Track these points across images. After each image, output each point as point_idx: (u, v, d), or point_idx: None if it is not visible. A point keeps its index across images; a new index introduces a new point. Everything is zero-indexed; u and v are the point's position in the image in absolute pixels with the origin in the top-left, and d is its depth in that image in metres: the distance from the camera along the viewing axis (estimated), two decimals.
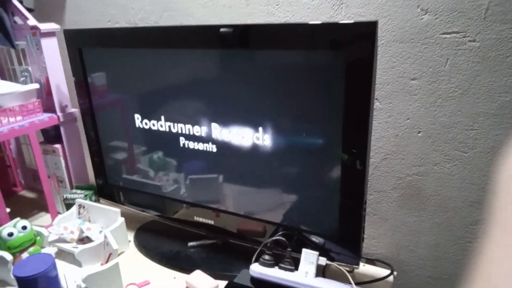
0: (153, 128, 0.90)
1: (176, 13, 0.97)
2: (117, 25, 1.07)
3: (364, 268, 0.89)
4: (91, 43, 0.91)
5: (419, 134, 0.79)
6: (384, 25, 0.75)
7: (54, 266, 0.82)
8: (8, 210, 0.96)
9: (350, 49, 0.61)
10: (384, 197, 0.87)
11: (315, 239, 0.79)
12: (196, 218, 0.94)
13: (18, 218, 0.91)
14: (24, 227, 0.89)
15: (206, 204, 0.90)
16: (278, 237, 0.80)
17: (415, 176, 0.82)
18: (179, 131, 0.86)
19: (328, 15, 0.79)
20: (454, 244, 0.83)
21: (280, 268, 0.78)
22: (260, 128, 0.75)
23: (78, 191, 1.07)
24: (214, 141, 0.82)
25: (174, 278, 0.88)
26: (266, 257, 0.79)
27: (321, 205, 0.75)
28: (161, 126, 0.88)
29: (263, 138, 0.76)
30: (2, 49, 1.10)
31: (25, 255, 0.88)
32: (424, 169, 0.81)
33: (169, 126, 0.87)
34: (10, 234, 0.86)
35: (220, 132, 0.81)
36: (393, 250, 0.91)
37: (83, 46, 0.92)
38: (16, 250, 0.87)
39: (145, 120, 0.90)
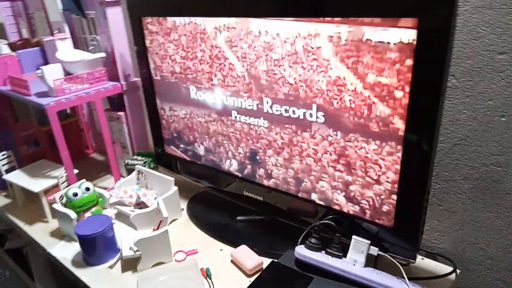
0: (207, 100, 0.88)
1: None
2: None
3: (423, 262, 0.81)
4: (150, 12, 0.90)
5: (503, 119, 0.67)
6: None
7: (111, 227, 0.87)
8: (76, 171, 1.03)
9: (422, 15, 0.52)
10: (452, 187, 0.78)
11: (368, 226, 0.73)
12: (246, 193, 0.93)
13: (83, 180, 0.97)
14: (87, 189, 0.95)
15: (256, 180, 0.88)
16: (327, 221, 0.76)
17: (493, 166, 0.71)
18: (232, 104, 0.84)
19: None
20: None
21: (327, 253, 0.74)
22: (314, 106, 0.70)
23: (139, 158, 1.12)
24: (265, 116, 0.79)
25: (221, 250, 0.88)
26: (313, 240, 0.75)
27: (377, 190, 0.68)
28: (214, 98, 0.86)
29: (317, 116, 0.70)
30: (75, 18, 1.15)
31: (87, 214, 0.95)
32: (505, 159, 0.69)
33: (222, 99, 0.85)
34: (75, 194, 0.93)
35: (272, 107, 0.77)
36: (458, 246, 0.81)
37: (143, 14, 0.92)
38: (80, 209, 0.94)
39: (199, 92, 0.89)
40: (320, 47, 0.65)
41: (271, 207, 0.89)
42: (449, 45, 0.51)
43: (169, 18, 0.87)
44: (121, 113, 1.11)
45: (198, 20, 0.81)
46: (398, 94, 0.58)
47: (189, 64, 0.88)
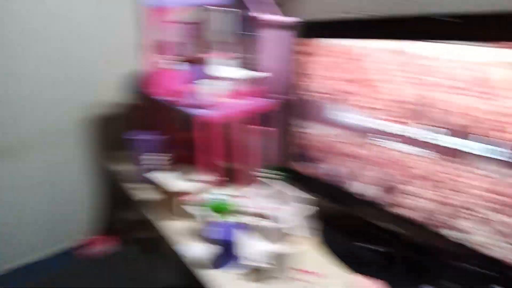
0: (353, 124, 0.88)
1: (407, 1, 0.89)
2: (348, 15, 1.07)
3: None
4: (323, 34, 0.93)
5: None
6: None
7: (242, 235, 0.91)
8: (215, 178, 1.11)
9: None
10: None
11: None
12: (381, 223, 0.88)
13: (219, 188, 1.04)
14: (223, 195, 1.02)
15: (396, 212, 0.83)
16: (471, 266, 0.67)
17: None
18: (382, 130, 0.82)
19: None
20: None
21: None
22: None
23: (273, 171, 1.16)
24: (422, 145, 0.75)
25: (346, 276, 0.85)
26: (448, 283, 0.67)
27: None
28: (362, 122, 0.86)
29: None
30: (238, 38, 1.27)
31: (219, 219, 1.00)
32: None
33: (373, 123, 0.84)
34: (212, 199, 1.00)
35: (435, 138, 0.73)
36: None
37: (315, 36, 0.95)
38: (216, 213, 1.00)
39: (349, 115, 0.89)
40: None
41: (405, 239, 0.83)
42: None
43: (326, 41, 0.90)
44: (268, 128, 1.18)
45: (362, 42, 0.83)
46: None
47: (346, 87, 0.90)
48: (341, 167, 0.96)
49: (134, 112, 1.58)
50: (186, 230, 1.07)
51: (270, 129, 1.17)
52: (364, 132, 0.87)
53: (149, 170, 1.26)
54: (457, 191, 0.70)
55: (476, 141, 0.66)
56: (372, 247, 0.93)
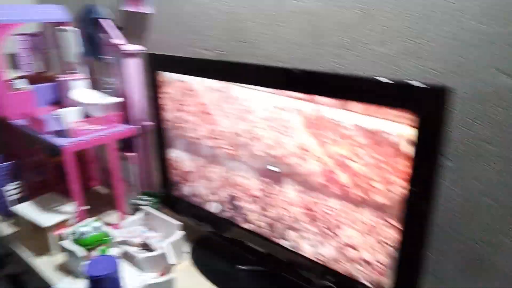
0: (214, 150, 0.94)
1: (248, 44, 0.98)
2: (194, 49, 1.12)
3: None
4: (165, 68, 0.97)
5: (492, 202, 0.74)
6: (458, 83, 0.70)
7: (119, 269, 0.91)
8: (88, 207, 1.07)
9: (419, 109, 0.59)
10: (444, 258, 0.83)
11: None
12: (249, 244, 0.97)
13: (93, 218, 1.01)
14: (96, 227, 0.99)
15: (259, 232, 0.93)
16: (328, 284, 0.81)
17: (483, 244, 0.77)
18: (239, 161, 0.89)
19: (396, 66, 0.77)
20: None
21: None
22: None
23: (145, 198, 1.16)
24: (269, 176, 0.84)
25: None
26: None
27: (376, 257, 0.74)
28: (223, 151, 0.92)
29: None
30: (92, 61, 1.20)
31: (95, 252, 0.98)
32: (494, 239, 0.76)
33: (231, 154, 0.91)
34: (85, 233, 0.96)
35: (275, 171, 0.82)
36: None
37: (158, 69, 0.99)
38: (88, 247, 0.97)
39: (210, 142, 0.94)
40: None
41: (274, 259, 0.94)
42: (442, 134, 0.59)
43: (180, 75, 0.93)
44: (131, 154, 1.16)
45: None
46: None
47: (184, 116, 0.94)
48: (200, 189, 1.01)
49: None
50: (59, 265, 1.03)
51: (134, 154, 1.16)
52: (212, 157, 0.94)
53: (10, 201, 1.14)
54: (281, 207, 0.83)
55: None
56: (245, 267, 1.01)
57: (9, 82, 1.14)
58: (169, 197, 1.13)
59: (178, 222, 1.03)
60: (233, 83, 0.83)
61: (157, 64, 0.99)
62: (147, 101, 1.09)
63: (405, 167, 0.64)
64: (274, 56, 0.95)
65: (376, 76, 0.64)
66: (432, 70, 0.73)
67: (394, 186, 0.66)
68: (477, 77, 0.69)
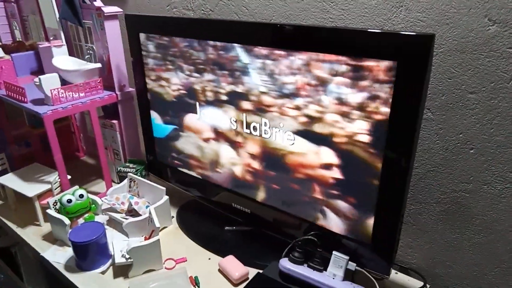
0: (200, 117, 0.93)
1: (232, 2, 0.97)
2: (174, 10, 1.10)
3: (396, 276, 0.88)
4: (147, 29, 0.94)
5: (471, 151, 0.74)
6: (445, 32, 0.69)
7: (104, 234, 0.91)
8: (69, 177, 1.06)
9: (402, 58, 0.58)
10: (425, 209, 0.84)
11: (348, 243, 0.79)
12: (235, 205, 0.98)
13: (76, 187, 1.01)
14: (81, 195, 0.98)
15: (245, 193, 0.93)
16: (309, 237, 0.82)
17: (462, 193, 0.78)
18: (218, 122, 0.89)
19: (385, 17, 0.75)
20: (496, 268, 0.79)
21: (309, 266, 0.80)
22: (290, 131, 0.75)
23: (131, 165, 1.15)
24: (252, 135, 0.84)
25: (209, 259, 0.94)
26: (296, 254, 0.81)
27: (357, 210, 0.74)
28: (203, 114, 0.91)
29: (294, 138, 0.76)
30: (71, 26, 1.17)
31: (81, 220, 0.98)
32: (472, 187, 0.76)
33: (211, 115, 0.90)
34: (69, 201, 0.96)
35: (257, 126, 0.82)
36: (429, 263, 0.88)
37: (141, 31, 0.96)
38: (73, 215, 0.97)
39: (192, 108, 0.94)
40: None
41: (258, 219, 0.94)
42: (425, 83, 0.57)
43: (164, 36, 0.91)
44: (115, 121, 1.14)
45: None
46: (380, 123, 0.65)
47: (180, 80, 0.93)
48: (197, 157, 1.01)
49: None
50: (46, 234, 1.03)
51: (116, 122, 1.14)
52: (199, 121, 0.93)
53: None
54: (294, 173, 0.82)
55: None
56: (231, 228, 1.02)
57: None
58: (155, 164, 1.13)
59: (163, 188, 1.03)
60: (218, 42, 0.81)
61: (137, 26, 0.97)
62: (129, 65, 1.07)
63: (384, 118, 0.64)
64: (259, 14, 0.93)
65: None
66: (420, 21, 0.72)
67: (376, 137, 0.66)
68: (467, 27, 0.67)
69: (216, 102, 0.88)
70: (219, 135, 0.91)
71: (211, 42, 0.82)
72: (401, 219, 0.69)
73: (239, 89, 0.82)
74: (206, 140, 0.95)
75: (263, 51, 0.74)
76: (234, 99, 0.84)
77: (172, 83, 0.95)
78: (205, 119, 0.93)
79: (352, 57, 0.63)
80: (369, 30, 0.61)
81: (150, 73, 1.00)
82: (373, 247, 0.75)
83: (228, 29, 0.79)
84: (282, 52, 0.71)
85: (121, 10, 1.05)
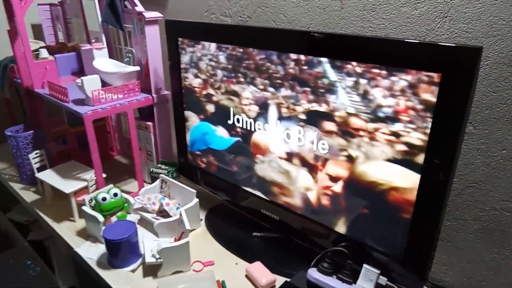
0: (233, 122, 0.94)
1: (270, 9, 0.97)
2: (212, 16, 1.12)
3: None
4: (186, 34, 0.96)
5: None
6: (492, 45, 0.67)
7: (136, 233, 0.93)
8: (104, 175, 1.10)
9: (447, 70, 0.57)
10: (462, 226, 0.82)
11: (379, 256, 0.77)
12: (264, 211, 0.98)
13: (111, 185, 1.04)
14: (115, 194, 1.01)
15: (274, 200, 0.93)
16: (340, 247, 0.81)
17: (502, 211, 0.75)
18: (254, 128, 0.89)
19: (428, 27, 0.74)
20: None
21: (338, 278, 0.79)
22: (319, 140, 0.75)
23: (163, 166, 1.18)
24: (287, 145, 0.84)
25: (236, 264, 0.94)
26: (325, 264, 0.80)
27: (391, 223, 0.73)
28: (238, 121, 0.92)
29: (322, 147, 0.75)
30: (112, 29, 1.21)
31: (113, 218, 1.01)
32: None
33: (247, 122, 0.90)
34: (104, 199, 0.99)
35: (291, 138, 0.82)
36: (464, 282, 0.85)
37: (179, 36, 0.98)
38: (107, 213, 1.00)
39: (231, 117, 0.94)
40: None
41: (287, 226, 0.94)
42: (470, 96, 0.56)
43: (202, 41, 0.92)
44: (150, 123, 1.17)
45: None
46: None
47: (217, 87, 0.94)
48: (228, 162, 1.02)
49: (8, 104, 1.44)
50: (80, 230, 1.06)
51: (151, 123, 1.17)
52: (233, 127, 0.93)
53: (34, 168, 1.17)
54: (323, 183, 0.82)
55: None
56: (259, 234, 1.02)
57: (33, 53, 1.16)
58: (186, 166, 1.15)
59: (194, 190, 1.04)
60: (256, 49, 0.81)
61: (176, 31, 0.99)
62: (166, 69, 1.10)
63: (425, 133, 0.62)
64: (297, 21, 0.93)
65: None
66: (465, 32, 0.70)
67: (415, 151, 0.65)
68: None
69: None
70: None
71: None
72: (437, 235, 0.67)
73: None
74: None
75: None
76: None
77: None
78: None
79: (393, 67, 0.62)
80: (414, 41, 0.60)
81: (186, 77, 1.02)
82: (406, 262, 0.73)
83: (263, 36, 0.80)
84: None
85: (161, 15, 1.08)
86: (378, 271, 0.75)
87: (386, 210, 0.72)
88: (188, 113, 1.07)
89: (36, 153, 1.20)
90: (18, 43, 1.14)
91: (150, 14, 1.05)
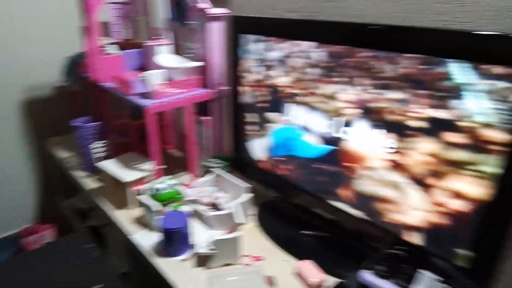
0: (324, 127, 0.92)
1: (337, 4, 0.94)
2: (278, 12, 1.11)
3: None
4: (249, 30, 0.97)
5: None
6: None
7: (189, 223, 0.95)
8: (164, 167, 1.13)
9: None
10: None
11: (440, 262, 0.73)
12: (316, 209, 0.97)
13: (168, 176, 1.07)
14: (171, 185, 1.04)
15: (328, 199, 0.92)
16: (399, 251, 0.78)
17: None
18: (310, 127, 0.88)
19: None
20: None
21: (394, 283, 0.76)
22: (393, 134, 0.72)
23: (216, 160, 1.20)
24: (342, 143, 0.82)
25: (285, 260, 0.93)
26: (381, 267, 0.77)
27: (457, 229, 0.69)
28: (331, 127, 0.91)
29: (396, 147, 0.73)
30: (175, 26, 1.26)
31: (168, 208, 1.04)
32: None
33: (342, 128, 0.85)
34: (161, 189, 1.02)
35: (352, 136, 0.80)
36: None
37: (242, 32, 0.99)
38: (162, 202, 1.03)
39: (280, 113, 0.94)
40: None
41: (339, 226, 0.92)
42: None
43: (263, 38, 0.93)
44: (206, 118, 1.20)
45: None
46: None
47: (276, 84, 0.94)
48: (282, 158, 1.02)
49: (76, 97, 1.55)
50: (136, 218, 1.10)
51: (209, 118, 1.20)
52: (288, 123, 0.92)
53: (96, 158, 1.25)
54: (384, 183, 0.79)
55: None
56: (310, 232, 1.01)
57: (101, 48, 1.24)
58: (240, 161, 1.16)
59: (247, 185, 1.05)
60: (325, 45, 0.79)
61: (240, 27, 0.99)
62: (227, 65, 1.12)
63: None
64: (367, 15, 0.91)
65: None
66: None
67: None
68: None
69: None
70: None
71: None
72: (508, 243, 0.63)
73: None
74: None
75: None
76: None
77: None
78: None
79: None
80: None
81: (245, 74, 1.03)
82: (472, 273, 0.68)
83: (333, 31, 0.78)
84: None
85: (226, 11, 1.10)
86: (441, 279, 0.71)
87: (453, 213, 0.69)
88: (269, 115, 1.00)
89: (99, 144, 1.27)
90: (90, 39, 1.22)
91: (214, 10, 1.08)
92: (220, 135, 1.25)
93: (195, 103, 1.17)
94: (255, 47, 0.96)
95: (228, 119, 1.20)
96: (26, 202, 1.78)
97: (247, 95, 1.05)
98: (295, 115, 0.93)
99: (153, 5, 1.24)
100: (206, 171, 1.18)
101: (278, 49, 0.91)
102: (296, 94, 0.90)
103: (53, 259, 1.00)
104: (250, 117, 1.06)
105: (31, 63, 1.59)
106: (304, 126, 0.91)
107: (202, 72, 1.17)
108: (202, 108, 1.23)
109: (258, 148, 1.07)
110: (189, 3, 1.14)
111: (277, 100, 0.96)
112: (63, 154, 1.53)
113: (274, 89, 0.96)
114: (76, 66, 1.42)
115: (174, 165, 1.39)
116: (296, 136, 0.94)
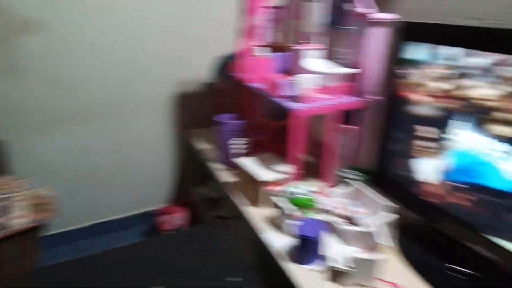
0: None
1: None
2: (450, 18, 1.00)
3: None
4: (419, 38, 0.89)
5: None
6: None
7: (326, 234, 0.92)
8: (298, 171, 1.12)
9: None
10: None
11: None
12: (467, 243, 0.84)
13: (304, 182, 1.05)
14: (306, 191, 1.02)
15: (489, 233, 0.79)
16: None
17: None
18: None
19: None
20: None
21: None
22: None
23: (354, 172, 1.14)
24: None
25: None
26: None
27: None
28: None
29: None
30: (328, 31, 1.24)
31: (300, 214, 1.02)
32: None
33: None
34: (296, 193, 1.01)
35: None
36: None
37: (409, 39, 0.91)
38: (296, 207, 1.02)
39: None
40: None
41: (497, 266, 0.78)
42: None
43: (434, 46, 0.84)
44: (350, 127, 1.15)
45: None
46: None
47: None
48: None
49: (222, 94, 1.66)
50: (268, 218, 1.11)
51: (355, 128, 1.15)
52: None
53: (234, 154, 1.30)
54: None
55: None
56: (457, 268, 0.89)
57: (252, 50, 1.28)
58: (382, 176, 1.08)
59: (390, 204, 0.97)
60: None
61: (409, 33, 0.91)
62: (383, 74, 1.05)
63: None
64: None
65: None
66: None
67: None
68: None
69: None
70: None
71: None
72: None
73: None
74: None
75: None
76: None
77: None
78: None
79: None
80: None
81: (400, 83, 0.95)
82: None
83: None
84: None
85: (393, 17, 1.03)
86: None
87: None
88: (455, 131, 0.85)
89: (238, 141, 1.32)
90: (245, 40, 1.28)
91: (376, 16, 1.03)
92: (363, 146, 1.19)
93: (342, 110, 1.14)
94: (445, 52, 0.85)
95: (376, 130, 1.13)
96: (163, 184, 1.98)
97: (424, 106, 0.91)
98: (493, 135, 0.78)
99: (307, 10, 1.24)
100: (341, 181, 1.14)
101: (481, 55, 0.77)
102: (499, 110, 0.76)
103: (192, 242, 1.07)
104: (424, 131, 0.93)
105: (185, 60, 1.76)
106: (503, 150, 0.76)
107: (354, 79, 1.13)
108: (345, 115, 1.19)
109: (429, 168, 0.93)
110: (349, 7, 1.11)
111: (468, 115, 0.82)
112: (202, 145, 1.64)
113: (467, 102, 0.82)
114: (226, 65, 1.50)
115: (306, 171, 1.37)
116: (489, 161, 0.79)
